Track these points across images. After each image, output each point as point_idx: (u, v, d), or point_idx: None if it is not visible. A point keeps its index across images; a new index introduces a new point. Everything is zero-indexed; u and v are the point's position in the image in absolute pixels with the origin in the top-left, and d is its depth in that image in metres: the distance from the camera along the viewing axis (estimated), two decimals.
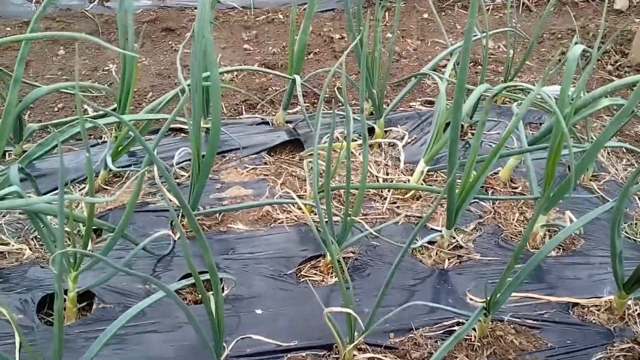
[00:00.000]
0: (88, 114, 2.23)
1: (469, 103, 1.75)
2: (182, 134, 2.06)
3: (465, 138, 2.06)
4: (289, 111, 2.17)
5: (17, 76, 1.45)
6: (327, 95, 2.37)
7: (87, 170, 1.16)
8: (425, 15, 3.14)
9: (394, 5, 3.14)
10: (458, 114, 1.33)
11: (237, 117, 2.23)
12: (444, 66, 2.69)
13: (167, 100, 1.77)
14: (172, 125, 2.01)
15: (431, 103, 2.32)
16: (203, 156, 1.51)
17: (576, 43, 1.60)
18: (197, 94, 1.50)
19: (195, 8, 3.05)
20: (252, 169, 1.87)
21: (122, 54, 1.72)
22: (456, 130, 1.35)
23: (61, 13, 2.92)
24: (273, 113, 2.25)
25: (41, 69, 2.56)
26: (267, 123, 2.14)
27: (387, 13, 3.12)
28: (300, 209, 1.66)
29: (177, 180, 1.78)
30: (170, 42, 2.83)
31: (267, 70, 2.21)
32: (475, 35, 2.13)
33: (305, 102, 2.18)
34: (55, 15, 2.90)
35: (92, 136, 2.05)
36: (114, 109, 2.14)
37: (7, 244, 1.48)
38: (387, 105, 2.10)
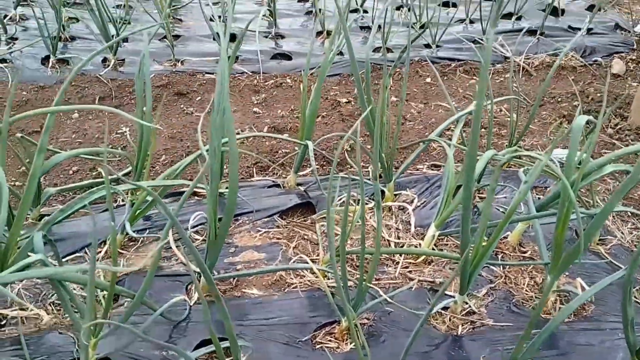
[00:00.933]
0: (102, 178, 2.28)
1: (477, 169, 1.80)
2: (195, 197, 2.10)
3: (473, 202, 2.10)
4: (300, 173, 2.22)
5: (42, 145, 1.50)
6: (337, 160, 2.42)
7: (111, 241, 1.18)
8: (428, 80, 3.24)
9: (397, 70, 3.25)
10: (470, 183, 1.37)
11: (249, 180, 2.28)
12: (449, 129, 2.78)
13: (184, 167, 1.82)
14: (184, 188, 2.06)
15: (437, 167, 2.37)
16: (219, 219, 1.54)
17: (581, 113, 1.66)
18: (216, 160, 1.55)
19: (206, 73, 3.16)
20: (265, 232, 1.90)
21: (140, 123, 1.77)
22: (469, 199, 1.39)
23: (76, 77, 3.01)
24: (284, 175, 2.31)
25: (55, 132, 2.63)
26: (278, 186, 2.19)
27: (391, 78, 3.22)
28: (313, 273, 1.68)
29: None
30: (182, 106, 2.91)
31: (281, 136, 2.27)
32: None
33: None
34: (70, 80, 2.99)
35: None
36: (128, 173, 2.20)
37: (25, 309, 1.49)
38: (395, 169, 2.15)
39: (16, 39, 3.30)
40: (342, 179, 2.18)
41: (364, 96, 1.98)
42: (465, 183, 1.38)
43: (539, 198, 2.12)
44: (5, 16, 3.46)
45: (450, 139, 2.20)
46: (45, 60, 3.11)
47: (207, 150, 1.59)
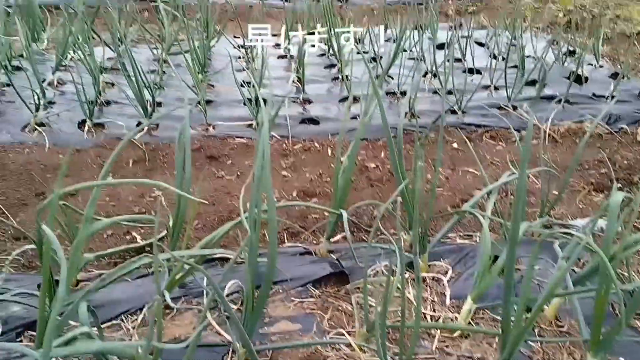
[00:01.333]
0: (137, 242, 2.31)
1: None
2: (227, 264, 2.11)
3: None
4: (332, 240, 2.23)
5: (88, 216, 1.54)
6: (366, 227, 2.43)
7: (157, 315, 1.20)
8: (455, 145, 3.27)
9: (421, 135, 3.29)
10: (512, 260, 1.37)
11: (280, 246, 2.29)
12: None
13: (221, 235, 1.84)
14: (216, 256, 2.08)
15: (469, 236, 2.37)
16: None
17: (611, 181, 1.67)
18: (255, 230, 1.57)
19: (237, 137, 3.23)
20: (299, 302, 1.90)
21: (179, 194, 1.81)
22: (511, 276, 1.39)
23: (111, 141, 3.10)
24: (315, 242, 2.32)
25: (89, 194, 2.67)
26: (310, 253, 2.19)
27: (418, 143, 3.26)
28: (349, 345, 1.67)
29: (225, 313, 1.81)
30: (213, 169, 2.96)
31: (317, 205, 2.28)
32: (512, 174, 2.23)
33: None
34: (105, 144, 3.08)
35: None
36: (162, 238, 2.23)
37: None
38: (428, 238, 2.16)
39: (54, 103, 3.42)
40: (371, 248, 2.19)
41: (398, 166, 2.01)
42: (508, 261, 1.38)
43: (573, 270, 2.10)
44: (44, 80, 3.58)
45: (480, 207, 2.22)
46: (81, 124, 3.21)
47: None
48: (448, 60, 3.75)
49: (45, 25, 4.63)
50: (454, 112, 3.56)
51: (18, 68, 3.78)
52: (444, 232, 2.10)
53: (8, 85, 3.50)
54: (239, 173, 2.94)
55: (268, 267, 1.55)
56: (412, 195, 2.04)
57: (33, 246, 1.90)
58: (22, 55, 3.90)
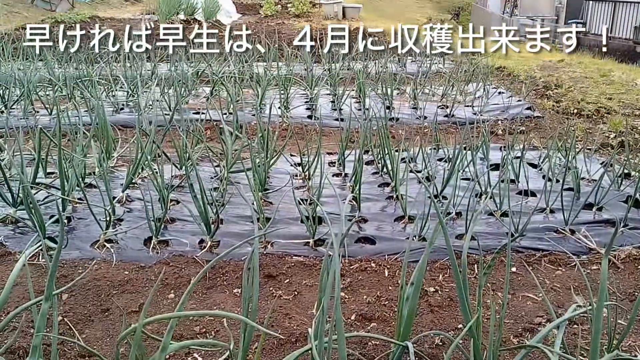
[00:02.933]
0: None
1: None
2: None
3: None
4: None
5: (165, 344, 1.59)
6: (427, 356, 2.40)
7: None
8: (514, 269, 3.24)
9: (483, 258, 3.28)
10: None
11: None
12: (539, 324, 2.73)
13: None
14: None
15: None
16: None
17: None
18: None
19: (294, 255, 3.29)
20: None
21: (244, 321, 1.85)
22: None
23: (174, 258, 3.20)
24: None
25: (152, 311, 2.74)
26: None
27: (475, 265, 3.25)
28: None
29: None
30: (270, 289, 3.00)
31: (383, 337, 2.26)
32: (578, 306, 2.19)
33: None
34: (169, 260, 3.18)
35: None
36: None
37: None
38: None
39: (122, 220, 3.59)
40: None
41: (464, 296, 2.01)
42: None
43: None
44: (114, 198, 3.78)
45: (545, 340, 2.17)
46: (147, 241, 3.34)
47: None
48: (502, 182, 3.80)
49: (116, 144, 4.94)
50: (511, 235, 3.56)
51: (90, 185, 4.01)
52: None
53: (80, 202, 3.71)
54: (296, 293, 2.97)
55: None
56: (477, 325, 2.02)
57: None
58: (94, 173, 4.15)
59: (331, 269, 1.62)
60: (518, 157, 4.60)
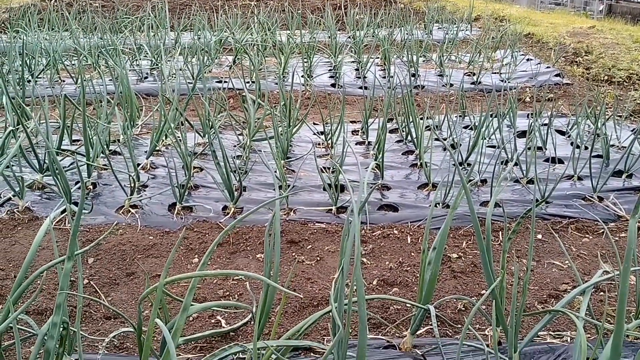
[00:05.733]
0: (222, 327, 2.35)
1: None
2: (312, 354, 2.11)
3: None
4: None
5: (187, 304, 1.60)
6: (450, 320, 2.38)
7: None
8: (539, 236, 3.20)
9: (508, 226, 3.23)
10: None
11: None
12: (564, 291, 2.69)
13: (308, 325, 1.85)
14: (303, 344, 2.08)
15: (560, 336, 2.27)
16: None
17: None
18: (345, 326, 1.58)
19: (317, 222, 3.29)
20: None
21: (266, 281, 1.85)
22: None
23: (198, 224, 3.22)
24: (397, 334, 2.28)
25: (175, 275, 2.77)
26: (393, 346, 2.16)
27: (500, 232, 3.21)
28: None
29: None
30: (293, 254, 3.01)
31: (404, 300, 2.24)
32: (604, 271, 2.14)
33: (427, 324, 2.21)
34: (193, 226, 3.20)
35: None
36: (246, 323, 2.26)
37: None
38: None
39: (146, 186, 3.62)
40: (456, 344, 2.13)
41: (487, 261, 1.98)
42: None
43: None
44: (138, 164, 3.81)
45: (570, 305, 2.13)
46: (171, 207, 3.37)
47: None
48: (529, 149, 3.72)
49: (140, 112, 4.97)
50: (536, 202, 3.50)
51: (115, 152, 4.04)
52: (536, 332, 2.02)
53: (105, 168, 3.75)
54: (318, 258, 2.97)
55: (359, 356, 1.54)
56: (500, 290, 2.00)
57: (128, 329, 1.97)
58: (118, 140, 4.18)
59: (351, 231, 1.60)
60: (546, 125, 4.50)
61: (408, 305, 2.48)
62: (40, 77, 6.36)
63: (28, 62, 6.34)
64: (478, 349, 2.08)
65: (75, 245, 1.65)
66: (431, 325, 2.32)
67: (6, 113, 4.16)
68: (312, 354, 2.11)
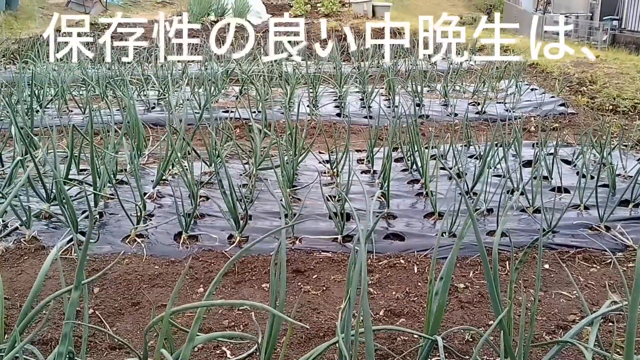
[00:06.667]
0: (228, 358, 2.33)
1: None
2: None
3: None
4: None
5: (192, 335, 1.59)
6: (457, 352, 2.36)
7: None
8: (547, 266, 3.17)
9: (515, 256, 3.22)
10: None
11: None
12: (573, 322, 2.66)
13: (315, 356, 1.84)
14: None
15: None
16: None
17: None
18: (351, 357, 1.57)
19: (322, 251, 3.27)
20: None
21: (272, 311, 1.85)
22: None
23: (203, 253, 3.22)
24: None
25: (180, 304, 2.75)
26: None
27: (507, 262, 3.19)
28: None
29: None
30: (299, 284, 2.99)
31: (412, 331, 2.23)
32: (613, 302, 2.13)
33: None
34: (198, 255, 3.20)
35: None
36: (252, 354, 2.24)
37: None
38: None
39: (152, 215, 3.63)
40: None
41: (495, 291, 1.97)
42: None
43: None
44: (145, 194, 3.83)
45: (578, 336, 2.11)
46: (177, 236, 3.37)
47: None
48: (535, 178, 3.72)
49: (147, 141, 5.00)
50: (542, 231, 3.48)
51: (122, 182, 4.07)
52: None
53: (112, 198, 3.77)
54: (324, 288, 2.95)
55: None
56: (508, 321, 1.98)
57: (133, 359, 1.95)
58: (125, 169, 4.21)
59: (357, 260, 1.60)
60: (551, 154, 4.50)
61: (415, 336, 2.46)
62: (48, 107, 6.44)
63: (37, 92, 6.42)
64: None
65: (82, 275, 1.65)
66: (439, 356, 2.30)
67: (14, 143, 4.20)
68: None
